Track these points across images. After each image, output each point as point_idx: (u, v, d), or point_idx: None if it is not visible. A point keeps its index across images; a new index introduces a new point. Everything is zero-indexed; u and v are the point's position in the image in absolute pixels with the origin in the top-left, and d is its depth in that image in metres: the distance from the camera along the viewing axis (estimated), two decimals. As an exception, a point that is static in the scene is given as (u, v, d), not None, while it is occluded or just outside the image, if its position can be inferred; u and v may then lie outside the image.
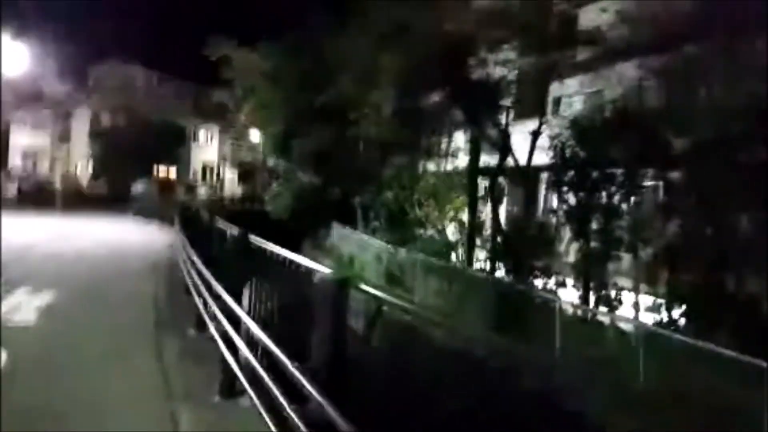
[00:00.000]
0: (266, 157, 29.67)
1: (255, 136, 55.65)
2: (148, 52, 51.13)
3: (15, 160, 56.60)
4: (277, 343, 4.66)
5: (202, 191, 55.86)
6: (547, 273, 16.69)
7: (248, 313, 5.78)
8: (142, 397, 6.50)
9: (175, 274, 13.74)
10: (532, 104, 20.91)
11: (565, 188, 16.14)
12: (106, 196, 48.22)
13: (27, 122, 57.59)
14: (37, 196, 45.41)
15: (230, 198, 54.57)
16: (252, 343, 5.41)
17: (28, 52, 44.24)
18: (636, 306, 13.74)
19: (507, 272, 18.28)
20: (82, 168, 56.18)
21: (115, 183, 49.72)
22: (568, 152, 16.19)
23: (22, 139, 56.63)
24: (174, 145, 53.27)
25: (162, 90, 56.17)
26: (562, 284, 16.28)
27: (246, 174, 62.10)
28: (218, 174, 62.39)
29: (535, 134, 18.29)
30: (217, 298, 6.85)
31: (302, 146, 23.44)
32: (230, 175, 63.90)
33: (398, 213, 27.79)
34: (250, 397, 5.16)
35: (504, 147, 18.53)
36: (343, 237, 29.85)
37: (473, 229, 20.98)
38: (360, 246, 27.30)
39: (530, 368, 10.54)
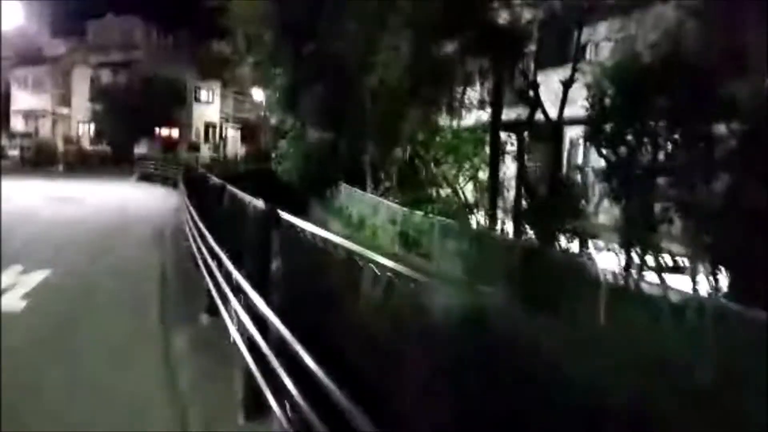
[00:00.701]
0: (272, 114, 27.87)
1: (258, 93, 54.22)
2: (145, 3, 49.29)
3: (16, 123, 55.26)
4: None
5: (205, 151, 54.62)
6: (581, 237, 15.48)
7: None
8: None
9: (183, 244, 12.67)
10: (556, 52, 19.53)
11: (604, 143, 14.77)
12: (109, 157, 47.08)
13: (27, 83, 56.13)
14: (39, 159, 44.43)
15: (234, 158, 53.29)
16: (282, 351, 4.19)
17: (24, 8, 43.03)
18: (693, 274, 12.52)
19: (536, 236, 17.08)
20: (84, 129, 54.81)
21: (117, 144, 48.46)
22: (607, 102, 14.76)
23: (22, 101, 55.17)
24: (176, 104, 51.70)
25: (162, 45, 54.39)
26: (600, 249, 15.10)
27: (249, 133, 60.82)
28: (221, 133, 60.94)
29: (567, 84, 16.87)
30: (237, 290, 5.64)
31: (310, 100, 21.77)
32: (233, 134, 62.50)
33: (411, 172, 26.59)
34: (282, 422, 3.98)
35: (533, 98, 17.11)
36: (353, 198, 28.69)
37: (495, 189, 19.70)
38: (371, 207, 26.13)
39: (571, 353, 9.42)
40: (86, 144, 52.73)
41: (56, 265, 10.73)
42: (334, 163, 24.30)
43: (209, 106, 58.61)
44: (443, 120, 21.89)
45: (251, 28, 23.30)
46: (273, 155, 30.12)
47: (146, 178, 33.54)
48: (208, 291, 7.71)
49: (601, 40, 20.36)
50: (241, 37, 24.57)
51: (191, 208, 12.16)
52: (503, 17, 18.50)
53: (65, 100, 56.07)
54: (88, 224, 16.02)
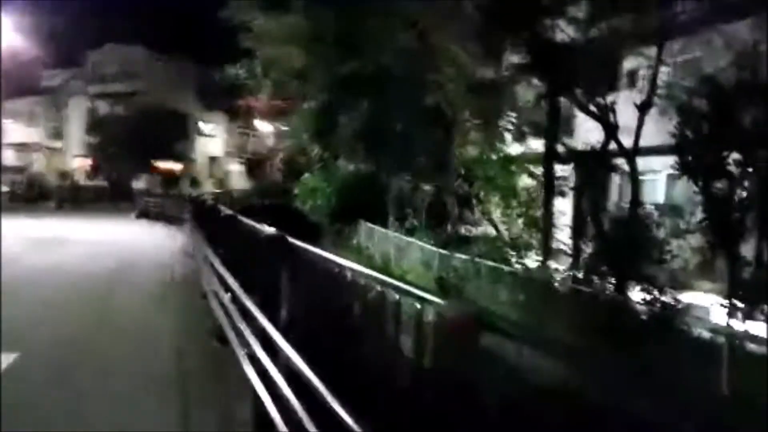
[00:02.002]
0: (296, 143, 24.66)
1: (264, 126, 51.94)
2: (149, 31, 47.14)
3: (7, 156, 52.76)
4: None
5: (209, 185, 52.20)
6: (671, 286, 12.76)
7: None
8: None
9: (199, 301, 9.98)
10: (604, 76, 17.11)
11: (698, 174, 12.21)
12: (106, 192, 44.53)
13: (20, 115, 53.87)
14: (31, 195, 41.95)
15: (240, 192, 50.82)
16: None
17: (19, 37, 40.89)
18: None
19: (604, 284, 14.39)
20: (80, 163, 52.33)
21: (115, 178, 45.96)
22: (701, 128, 12.22)
23: (14, 134, 52.73)
24: (178, 136, 49.29)
25: (164, 74, 52.17)
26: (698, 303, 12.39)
27: (255, 166, 58.49)
28: (225, 167, 58.59)
29: (644, 107, 14.36)
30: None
31: (350, 125, 18.75)
32: (237, 168, 60.14)
33: (442, 207, 23.99)
34: None
35: (610, 122, 14.56)
36: (373, 236, 26.04)
37: (550, 228, 17.07)
38: (397, 247, 23.46)
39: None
40: (81, 179, 50.15)
41: (28, 345, 7.51)
42: (376, 199, 21.41)
43: (213, 140, 56.31)
44: (490, 148, 19.26)
45: (276, 46, 20.44)
46: (289, 190, 27.40)
47: (146, 215, 30.83)
48: (255, 397, 4.91)
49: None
50: (262, 59, 21.76)
51: (208, 253, 9.53)
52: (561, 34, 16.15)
53: (60, 132, 53.74)
54: (77, 276, 12.89)
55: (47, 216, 30.70)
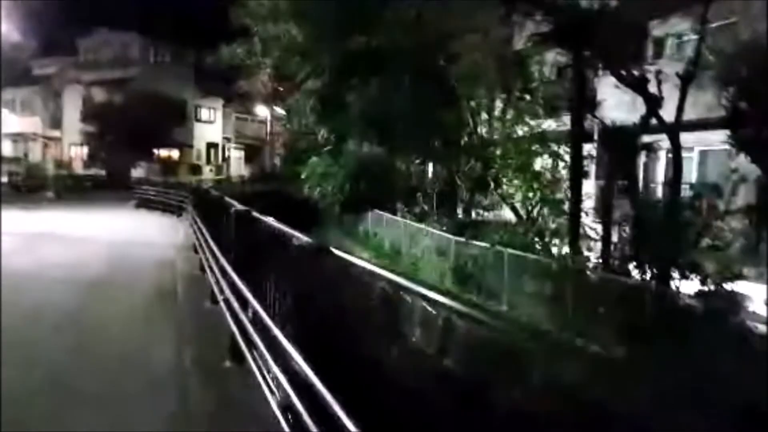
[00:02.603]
0: (300, 125, 22.91)
1: (263, 110, 50.71)
2: (143, 15, 45.72)
3: (4, 147, 51.51)
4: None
5: (208, 173, 51.08)
6: (722, 274, 11.63)
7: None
8: None
9: (205, 306, 8.87)
10: (628, 46, 15.90)
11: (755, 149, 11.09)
12: (104, 181, 43.33)
13: (15, 105, 52.62)
14: (29, 185, 40.73)
15: (240, 179, 49.68)
16: None
17: (11, 25, 39.58)
18: None
19: (642, 273, 13.26)
20: (77, 152, 51.12)
21: (112, 167, 44.78)
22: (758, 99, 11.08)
23: (11, 124, 51.43)
24: (175, 123, 48.01)
25: (160, 60, 50.80)
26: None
27: (254, 153, 57.36)
28: (223, 154, 57.37)
29: (686, 79, 13.16)
30: None
31: (359, 104, 17.23)
32: (236, 155, 58.97)
33: (453, 190, 22.83)
34: None
35: (654, 96, 13.33)
36: (382, 223, 24.87)
37: (578, 213, 15.90)
38: (409, 235, 22.33)
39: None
40: (79, 168, 48.94)
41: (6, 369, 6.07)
42: (392, 183, 20.11)
43: (211, 126, 55.03)
44: (511, 126, 17.99)
45: (275, 22, 18.97)
46: (290, 175, 26.07)
47: (145, 204, 29.67)
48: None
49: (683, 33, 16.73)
50: (260, 37, 20.30)
51: (215, 249, 8.42)
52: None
53: (56, 122, 52.46)
54: (72, 276, 11.62)
55: (45, 207, 29.55)
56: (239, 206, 6.54)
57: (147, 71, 48.33)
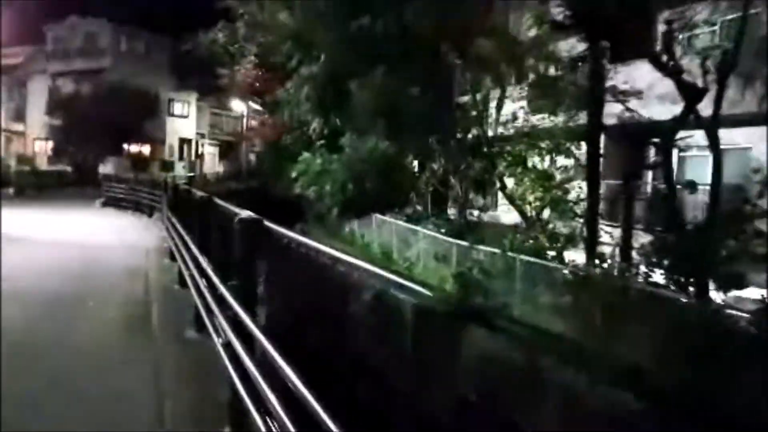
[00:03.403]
0: (292, 117, 20.58)
1: (238, 104, 48.70)
2: (114, 2, 43.54)
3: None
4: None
5: (180, 169, 48.92)
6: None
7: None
8: None
9: (188, 334, 7.15)
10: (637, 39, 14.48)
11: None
12: (70, 177, 41.00)
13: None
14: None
15: (215, 176, 47.66)
16: None
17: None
18: None
19: (676, 283, 11.82)
20: (41, 147, 48.56)
21: (79, 163, 42.45)
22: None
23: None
24: (147, 116, 45.77)
25: (131, 50, 48.42)
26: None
27: (229, 149, 55.27)
28: (197, 150, 55.16)
29: (726, 69, 11.74)
30: None
31: (365, 94, 15.19)
32: (210, 150, 56.81)
33: (446, 190, 21.26)
34: None
35: (693, 87, 11.88)
36: (370, 223, 23.19)
37: (596, 215, 14.46)
38: (401, 238, 20.73)
39: None
40: (44, 163, 46.43)
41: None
42: (400, 182, 18.28)
43: (184, 120, 52.79)
44: (522, 120, 16.43)
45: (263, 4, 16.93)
46: (274, 172, 24.13)
47: (114, 203, 27.64)
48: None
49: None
50: (246, 20, 18.28)
51: (204, 264, 6.72)
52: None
53: (20, 114, 49.84)
54: (24, 290, 9.48)
55: (4, 205, 27.36)
56: (244, 213, 4.86)
57: (118, 61, 46.04)
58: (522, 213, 16.60)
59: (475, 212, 20.71)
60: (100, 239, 16.91)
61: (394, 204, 18.91)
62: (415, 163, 18.18)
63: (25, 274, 11.18)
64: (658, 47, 12.66)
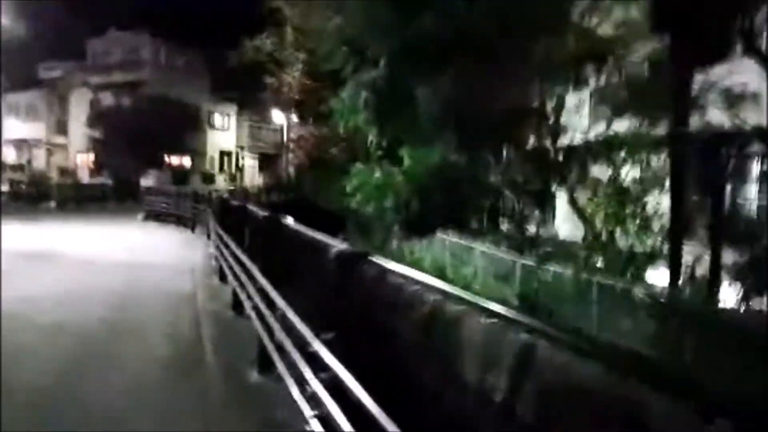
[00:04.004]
0: (347, 126, 19.09)
1: (279, 116, 48.10)
2: (155, 15, 43.30)
3: (7, 153, 49.01)
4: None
5: (221, 182, 48.52)
6: None
7: None
8: None
9: (252, 377, 6.07)
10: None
11: None
12: (111, 191, 40.69)
13: (19, 109, 50.18)
14: (32, 194, 38.19)
15: (256, 188, 47.07)
16: None
17: (16, 26, 37.19)
18: None
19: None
20: (83, 159, 48.54)
21: (120, 175, 42.15)
22: None
23: (14, 129, 48.91)
24: (187, 129, 45.36)
25: (172, 63, 48.19)
26: None
27: (269, 161, 54.78)
28: (237, 162, 54.81)
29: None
30: None
31: (432, 101, 13.74)
32: (250, 163, 56.42)
33: (501, 203, 20.05)
34: None
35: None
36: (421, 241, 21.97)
37: (680, 231, 13.11)
38: (454, 254, 19.50)
39: None
40: (85, 176, 46.32)
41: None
42: (472, 197, 17.02)
43: (224, 133, 52.47)
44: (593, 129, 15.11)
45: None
46: (317, 185, 23.12)
47: (155, 216, 26.94)
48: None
49: None
50: (292, 26, 17.26)
51: (270, 292, 5.67)
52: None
53: (62, 127, 49.93)
54: (59, 321, 8.43)
55: (46, 218, 26.98)
56: (338, 242, 3.81)
57: (158, 74, 45.77)
58: (593, 229, 15.26)
59: (533, 227, 19.44)
60: (141, 256, 15.95)
61: (462, 221, 17.59)
62: (490, 176, 16.85)
63: (64, 297, 10.28)
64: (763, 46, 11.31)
